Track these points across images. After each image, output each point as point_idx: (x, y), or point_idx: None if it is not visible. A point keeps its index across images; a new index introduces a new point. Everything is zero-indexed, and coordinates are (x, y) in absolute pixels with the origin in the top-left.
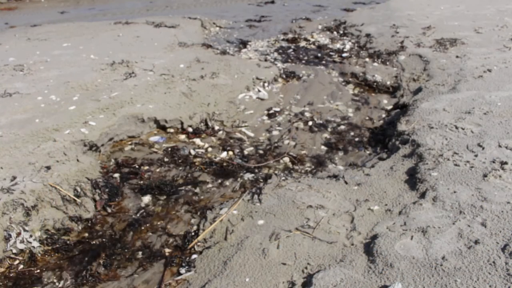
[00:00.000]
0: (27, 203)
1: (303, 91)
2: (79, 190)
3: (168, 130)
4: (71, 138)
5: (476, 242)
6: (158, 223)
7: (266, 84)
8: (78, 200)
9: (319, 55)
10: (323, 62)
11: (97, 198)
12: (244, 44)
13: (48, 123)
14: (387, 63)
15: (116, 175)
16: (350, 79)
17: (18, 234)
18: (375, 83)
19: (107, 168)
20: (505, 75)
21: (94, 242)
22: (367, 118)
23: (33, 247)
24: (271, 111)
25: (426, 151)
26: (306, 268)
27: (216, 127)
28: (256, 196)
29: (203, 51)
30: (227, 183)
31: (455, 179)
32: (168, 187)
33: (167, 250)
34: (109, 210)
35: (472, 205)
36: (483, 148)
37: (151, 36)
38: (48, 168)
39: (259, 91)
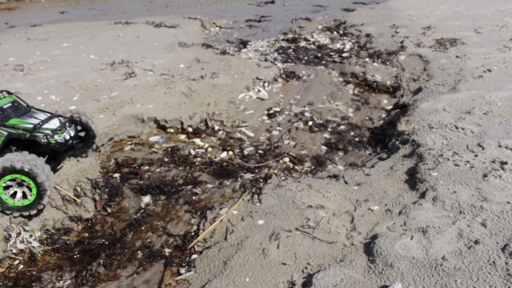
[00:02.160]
0: None
1: (303, 91)
2: (79, 190)
3: (168, 130)
4: None
5: (476, 242)
6: (158, 223)
7: (266, 84)
8: (78, 200)
9: (319, 55)
10: (323, 62)
11: (97, 198)
12: (244, 44)
13: None
14: (387, 63)
15: (116, 175)
16: (350, 79)
17: (18, 234)
18: (375, 83)
19: (107, 168)
20: (505, 75)
21: (94, 242)
22: (367, 118)
23: (33, 247)
24: (271, 111)
25: (426, 151)
26: (306, 268)
27: (216, 127)
28: (256, 196)
29: (203, 51)
30: (227, 183)
31: (455, 179)
32: (168, 187)
33: (167, 250)
34: (109, 210)
35: (472, 205)
36: (483, 148)
37: (151, 36)
38: None
39: (259, 91)
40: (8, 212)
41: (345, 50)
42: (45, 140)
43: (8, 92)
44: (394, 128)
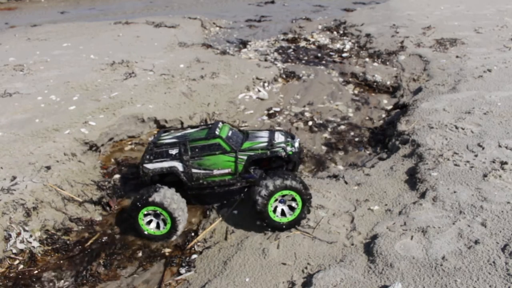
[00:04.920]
0: (27, 203)
1: (303, 91)
2: (79, 190)
3: None
4: (71, 138)
5: (476, 242)
6: None
7: (266, 84)
8: (79, 200)
9: (319, 55)
10: (323, 62)
11: (105, 198)
12: (244, 44)
13: (48, 123)
14: (387, 63)
15: (117, 175)
16: (350, 79)
17: (18, 234)
18: (375, 83)
19: (107, 168)
20: (505, 75)
21: (94, 242)
22: (367, 118)
23: (33, 247)
24: (271, 111)
25: (426, 151)
26: (306, 268)
27: None
28: None
29: (203, 51)
30: None
31: (455, 179)
32: None
33: (167, 250)
34: (109, 210)
35: (472, 205)
36: (483, 148)
37: (151, 36)
38: (48, 168)
39: (259, 91)
40: (278, 225)
41: (345, 50)
42: (285, 153)
43: (222, 122)
44: (394, 128)
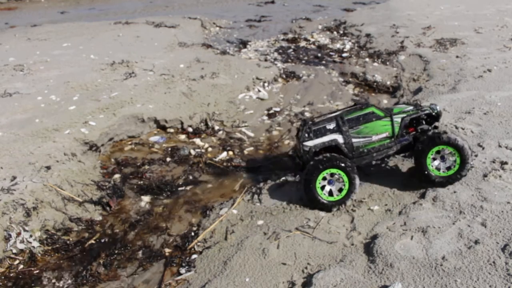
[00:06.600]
0: (27, 203)
1: (303, 91)
2: (79, 190)
3: (168, 130)
4: (71, 138)
5: (476, 242)
6: (158, 223)
7: (266, 84)
8: (79, 200)
9: (319, 55)
10: (323, 62)
11: (105, 198)
12: (244, 44)
13: (48, 123)
14: (387, 63)
15: (117, 175)
16: (350, 79)
17: (18, 234)
18: (375, 83)
19: (107, 168)
20: (505, 75)
21: (94, 242)
22: None
23: (33, 247)
24: (271, 111)
25: None
26: (306, 268)
27: (216, 127)
28: (256, 196)
29: (203, 51)
30: (227, 183)
31: None
32: (168, 187)
33: (167, 250)
34: (109, 210)
35: (472, 205)
36: (483, 148)
37: (151, 36)
38: (48, 168)
39: (259, 91)
40: (435, 180)
41: (345, 50)
42: (435, 111)
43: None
44: None
